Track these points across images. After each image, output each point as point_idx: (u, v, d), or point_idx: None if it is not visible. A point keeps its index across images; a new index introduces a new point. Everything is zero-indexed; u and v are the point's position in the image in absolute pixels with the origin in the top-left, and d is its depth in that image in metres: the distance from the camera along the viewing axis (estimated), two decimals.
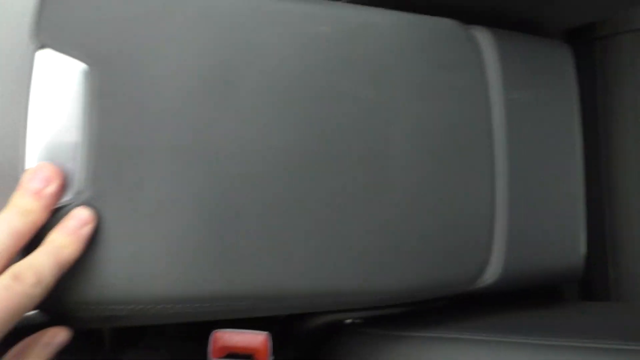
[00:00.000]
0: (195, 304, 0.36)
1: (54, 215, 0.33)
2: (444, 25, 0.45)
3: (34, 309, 0.32)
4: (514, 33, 0.51)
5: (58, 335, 0.34)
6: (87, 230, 0.33)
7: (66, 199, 0.33)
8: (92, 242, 0.34)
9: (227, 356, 0.43)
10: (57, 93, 0.34)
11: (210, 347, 0.42)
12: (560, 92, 0.51)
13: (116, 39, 0.35)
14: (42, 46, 0.34)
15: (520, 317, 0.52)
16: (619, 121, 0.79)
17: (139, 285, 0.35)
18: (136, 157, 0.34)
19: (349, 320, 0.55)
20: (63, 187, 0.34)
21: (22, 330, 0.32)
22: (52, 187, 0.33)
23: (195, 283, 0.36)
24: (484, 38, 0.48)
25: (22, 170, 0.33)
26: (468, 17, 0.51)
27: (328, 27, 0.40)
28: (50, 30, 0.34)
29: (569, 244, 0.50)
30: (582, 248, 0.51)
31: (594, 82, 0.82)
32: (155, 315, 0.37)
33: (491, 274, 0.45)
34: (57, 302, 0.33)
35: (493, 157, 0.46)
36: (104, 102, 0.34)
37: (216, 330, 0.44)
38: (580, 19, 0.57)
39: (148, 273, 0.35)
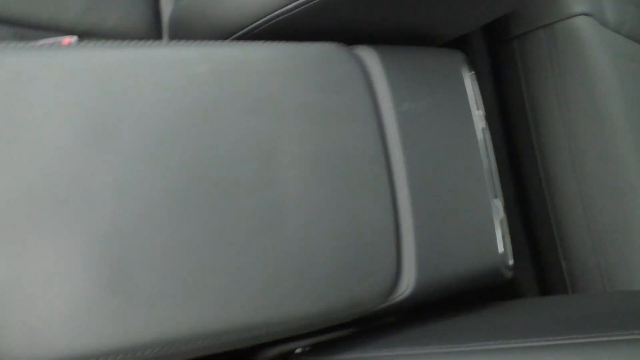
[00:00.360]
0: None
1: None
2: (326, 49, 0.46)
3: None
4: (401, 47, 0.52)
5: None
6: None
7: None
8: None
9: None
10: None
11: None
12: (452, 97, 0.52)
13: None
14: None
15: (474, 322, 0.51)
16: (545, 110, 0.81)
17: (41, 347, 0.35)
18: (20, 219, 0.35)
19: (298, 350, 0.55)
20: None
21: None
22: None
23: (97, 338, 0.36)
24: (368, 56, 0.49)
25: None
26: (364, 38, 0.53)
27: (204, 68, 0.41)
28: None
29: (483, 245, 0.50)
30: (499, 247, 0.52)
31: (518, 77, 0.84)
32: None
33: (406, 285, 0.45)
34: None
35: (391, 170, 0.46)
36: None
37: None
38: (463, 31, 0.59)
39: (48, 334, 0.35)
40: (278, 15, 0.47)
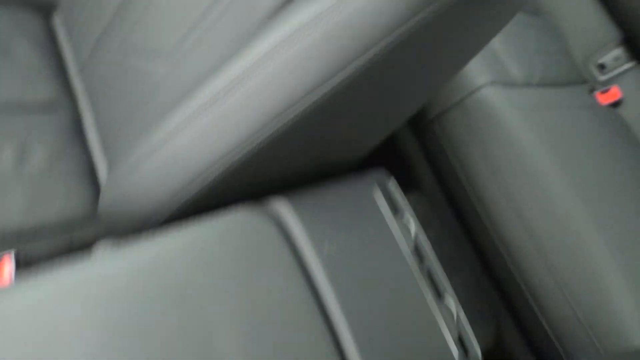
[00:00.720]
0: None
1: None
2: (238, 217, 0.49)
3: None
4: (313, 187, 0.55)
5: None
6: None
7: None
8: None
9: None
10: None
11: None
12: (369, 221, 0.55)
13: None
14: None
15: None
16: (480, 180, 0.84)
17: None
18: None
19: None
20: None
21: None
22: None
23: None
24: (281, 208, 0.52)
25: None
26: (279, 182, 0.56)
27: (125, 278, 0.44)
28: None
29: (435, 355, 0.52)
30: (452, 350, 0.53)
31: (446, 155, 0.88)
32: None
33: None
34: None
35: (327, 314, 0.48)
36: None
37: None
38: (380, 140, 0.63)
39: None
40: (188, 201, 0.51)
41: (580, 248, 0.78)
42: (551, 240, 0.79)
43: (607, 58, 1.21)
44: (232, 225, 0.49)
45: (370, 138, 0.61)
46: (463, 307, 0.59)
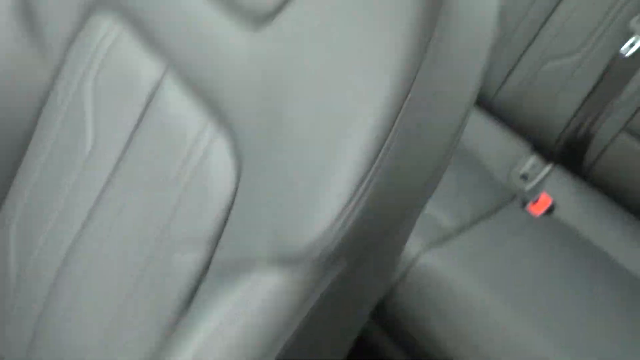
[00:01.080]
0: None
1: None
2: None
3: None
4: None
5: None
6: None
7: None
8: None
9: None
10: None
11: None
12: None
13: None
14: None
15: None
16: (448, 348, 0.82)
17: None
18: None
19: None
20: None
21: None
22: None
23: None
24: None
25: None
26: None
27: None
28: None
29: None
30: None
31: (408, 332, 0.87)
32: None
33: None
34: None
35: None
36: None
37: None
38: None
39: None
40: None
41: None
42: None
43: (526, 168, 1.27)
44: None
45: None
46: None
